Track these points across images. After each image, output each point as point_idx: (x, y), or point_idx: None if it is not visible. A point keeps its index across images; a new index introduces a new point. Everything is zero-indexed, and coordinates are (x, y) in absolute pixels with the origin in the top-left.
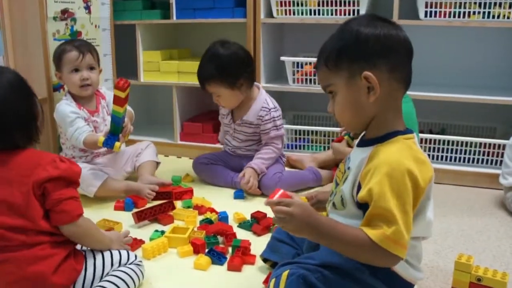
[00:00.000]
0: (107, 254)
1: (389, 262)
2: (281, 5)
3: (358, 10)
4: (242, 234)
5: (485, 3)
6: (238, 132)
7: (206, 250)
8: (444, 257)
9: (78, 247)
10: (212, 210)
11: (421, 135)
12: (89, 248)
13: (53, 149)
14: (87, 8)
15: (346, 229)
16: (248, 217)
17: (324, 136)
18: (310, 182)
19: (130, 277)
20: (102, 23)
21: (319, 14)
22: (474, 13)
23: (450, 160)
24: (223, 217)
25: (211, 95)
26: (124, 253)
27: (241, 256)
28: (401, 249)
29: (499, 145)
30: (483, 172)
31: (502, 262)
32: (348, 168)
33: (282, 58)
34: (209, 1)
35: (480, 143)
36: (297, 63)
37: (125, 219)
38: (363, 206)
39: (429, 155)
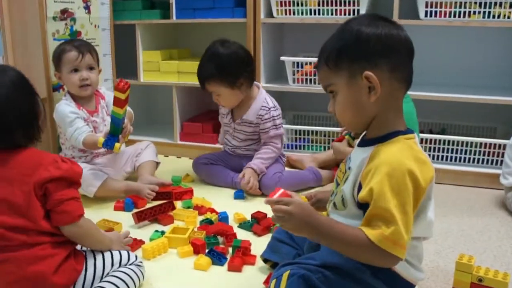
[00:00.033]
0: (107, 254)
1: (388, 263)
2: (281, 5)
3: (358, 10)
4: (242, 235)
5: (485, 3)
6: (238, 132)
7: (206, 251)
8: (445, 257)
9: (79, 247)
10: (212, 211)
11: (422, 135)
12: (89, 249)
13: (52, 149)
14: (87, 8)
15: (346, 229)
16: (249, 218)
17: (324, 136)
18: (310, 182)
19: (130, 277)
20: (101, 23)
21: (319, 14)
22: (474, 13)
23: (451, 160)
24: (223, 217)
25: (211, 95)
26: (124, 253)
27: (242, 256)
28: (400, 250)
29: (500, 145)
30: (483, 172)
31: (503, 262)
32: (349, 168)
33: (282, 58)
34: (209, 1)
35: (481, 143)
36: (297, 63)
37: (125, 219)
38: (363, 206)
39: (429, 155)
